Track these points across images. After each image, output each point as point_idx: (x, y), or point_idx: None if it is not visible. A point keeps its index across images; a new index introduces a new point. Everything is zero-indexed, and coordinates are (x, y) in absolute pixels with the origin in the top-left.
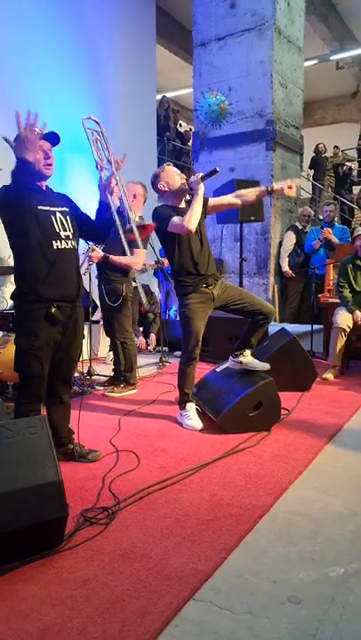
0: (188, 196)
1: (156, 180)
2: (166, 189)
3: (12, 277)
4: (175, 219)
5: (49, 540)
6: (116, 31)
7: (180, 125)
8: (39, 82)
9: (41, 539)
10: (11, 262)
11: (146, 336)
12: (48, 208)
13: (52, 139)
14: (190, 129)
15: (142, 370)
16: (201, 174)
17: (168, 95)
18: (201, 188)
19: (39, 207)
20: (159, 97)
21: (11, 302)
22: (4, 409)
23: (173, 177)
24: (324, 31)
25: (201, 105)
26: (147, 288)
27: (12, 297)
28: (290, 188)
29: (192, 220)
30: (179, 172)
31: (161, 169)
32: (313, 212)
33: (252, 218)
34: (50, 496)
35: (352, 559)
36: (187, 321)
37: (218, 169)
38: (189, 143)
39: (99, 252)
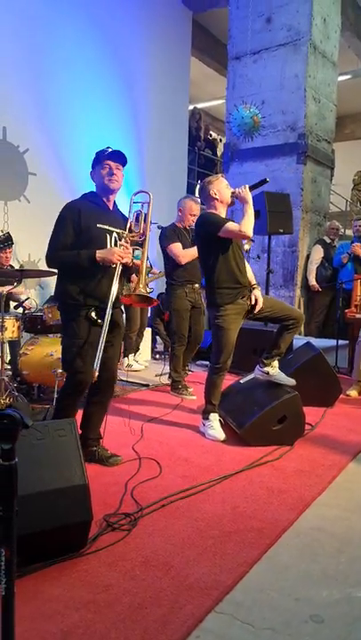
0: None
1: (209, 185)
2: (217, 197)
3: (39, 283)
4: (231, 224)
5: (73, 543)
6: (152, 45)
7: (210, 135)
8: (75, 94)
9: (65, 541)
10: (40, 266)
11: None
12: (107, 227)
13: (117, 158)
14: (220, 139)
15: (164, 377)
16: (248, 185)
17: (199, 106)
18: (250, 196)
19: (98, 225)
20: (190, 107)
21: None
22: (30, 410)
23: (225, 188)
24: (358, 46)
25: (234, 117)
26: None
27: (56, 298)
28: (255, 305)
29: (250, 225)
30: (228, 184)
31: (215, 177)
32: (341, 227)
33: (281, 230)
34: (76, 499)
35: None
36: (222, 332)
37: (268, 179)
38: (218, 152)
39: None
